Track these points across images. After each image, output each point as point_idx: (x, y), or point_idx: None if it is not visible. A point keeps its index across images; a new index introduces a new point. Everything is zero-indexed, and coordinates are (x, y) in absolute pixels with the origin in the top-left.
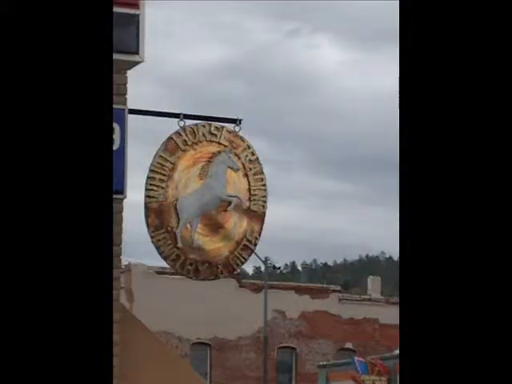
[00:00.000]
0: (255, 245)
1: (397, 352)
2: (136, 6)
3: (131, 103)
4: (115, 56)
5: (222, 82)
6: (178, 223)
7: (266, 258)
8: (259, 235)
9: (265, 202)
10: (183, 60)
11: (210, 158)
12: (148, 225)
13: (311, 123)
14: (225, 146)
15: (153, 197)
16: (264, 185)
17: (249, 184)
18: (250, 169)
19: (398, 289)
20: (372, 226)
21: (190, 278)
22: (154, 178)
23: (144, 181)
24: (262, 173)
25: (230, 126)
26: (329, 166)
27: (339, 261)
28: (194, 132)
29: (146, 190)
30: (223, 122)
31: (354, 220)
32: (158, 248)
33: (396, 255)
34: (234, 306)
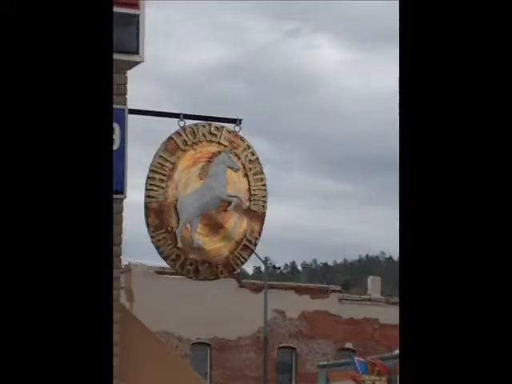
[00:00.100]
0: (255, 245)
1: (397, 352)
2: (136, 5)
3: (131, 103)
4: (115, 56)
5: (221, 82)
6: (178, 223)
7: (266, 258)
8: (259, 235)
9: (265, 201)
10: (183, 60)
11: (210, 157)
12: (148, 225)
13: (311, 123)
14: (225, 145)
15: (153, 197)
16: (264, 185)
17: (249, 184)
18: (250, 169)
19: (397, 289)
20: (372, 226)
21: (190, 277)
22: (154, 178)
23: (144, 181)
24: (262, 173)
25: (230, 126)
26: (329, 165)
27: (339, 261)
28: (193, 132)
29: (146, 190)
30: (223, 122)
31: (354, 220)
32: (157, 248)
33: (396, 255)
34: (234, 306)
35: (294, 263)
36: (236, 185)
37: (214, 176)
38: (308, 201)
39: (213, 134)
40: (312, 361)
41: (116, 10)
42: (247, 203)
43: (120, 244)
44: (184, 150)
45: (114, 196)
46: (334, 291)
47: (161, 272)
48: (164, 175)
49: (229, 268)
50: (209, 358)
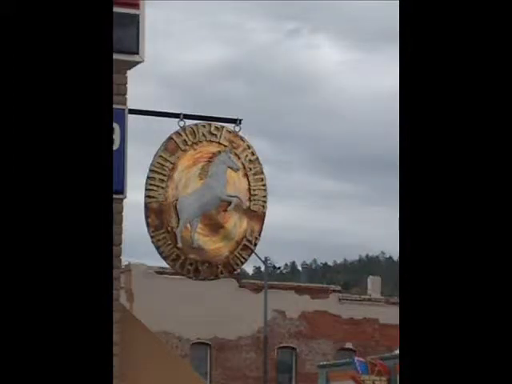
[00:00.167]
0: (255, 245)
1: (397, 352)
2: (136, 5)
3: (131, 103)
4: (115, 56)
5: (221, 81)
6: (178, 223)
7: (266, 258)
8: (259, 235)
9: (265, 201)
10: (183, 60)
11: (210, 158)
12: (148, 225)
13: (311, 123)
14: (225, 145)
15: (153, 197)
16: (264, 185)
17: (249, 184)
18: (250, 169)
19: (397, 289)
20: (372, 225)
21: (190, 277)
22: (154, 178)
23: (144, 181)
24: (262, 173)
25: (230, 126)
26: (329, 166)
27: (339, 261)
28: (194, 132)
29: (146, 189)
30: (223, 122)
31: (354, 220)
32: (157, 248)
33: (396, 255)
34: (234, 306)
35: (294, 263)
36: (236, 185)
37: (214, 176)
38: (308, 201)
39: (213, 134)
40: (312, 361)
41: (116, 10)
42: (247, 203)
43: (120, 244)
44: (184, 150)
45: (114, 196)
46: (334, 291)
47: (161, 272)
48: (164, 175)
49: (229, 268)
50: (209, 358)
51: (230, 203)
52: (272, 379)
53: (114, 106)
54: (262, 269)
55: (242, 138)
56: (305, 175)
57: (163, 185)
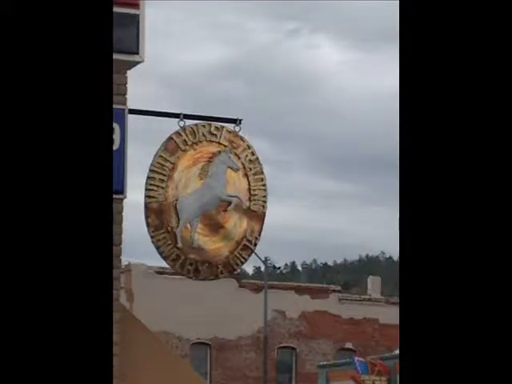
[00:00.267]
0: (255, 245)
1: (397, 352)
2: (136, 5)
3: (131, 103)
4: (115, 56)
5: (222, 81)
6: (178, 223)
7: (266, 258)
8: (259, 235)
9: (265, 201)
10: (183, 60)
11: (210, 158)
12: (148, 225)
13: (311, 123)
14: (225, 145)
15: (153, 197)
16: (264, 185)
17: (249, 184)
18: (250, 169)
19: (397, 289)
20: (372, 225)
21: (190, 277)
22: (154, 178)
23: (144, 181)
24: (262, 173)
25: (230, 126)
26: (329, 165)
27: (339, 261)
28: (194, 132)
29: (146, 189)
30: (223, 122)
31: (354, 220)
32: (157, 248)
33: (396, 255)
34: (234, 306)
35: (294, 263)
36: (236, 185)
37: (214, 176)
38: (308, 201)
39: (213, 134)
40: (312, 361)
41: (116, 10)
42: (247, 203)
43: (120, 244)
44: (184, 150)
45: (114, 196)
46: (334, 291)
47: (161, 272)
48: (164, 175)
49: (229, 268)
50: (209, 358)
51: (229, 203)
52: (272, 379)
53: (114, 106)
54: (262, 269)
55: (242, 138)
56: (305, 175)
57: (163, 185)
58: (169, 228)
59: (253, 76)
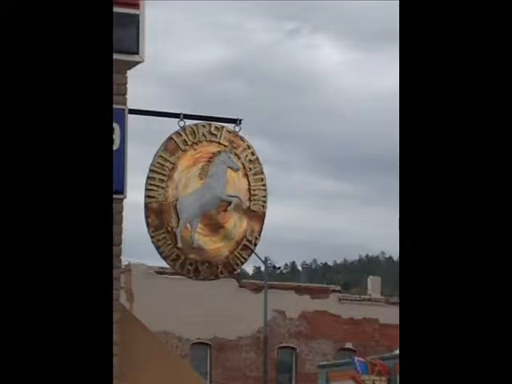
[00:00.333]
0: (255, 245)
1: (397, 352)
2: (136, 5)
3: (131, 103)
4: (115, 56)
5: (221, 81)
6: (178, 223)
7: (266, 258)
8: (259, 235)
9: (265, 202)
10: (183, 60)
11: (210, 158)
12: (148, 225)
13: (311, 123)
14: (225, 146)
15: (153, 197)
16: (264, 185)
17: (249, 184)
18: (250, 169)
19: (397, 289)
20: (372, 226)
21: (190, 277)
22: (154, 178)
23: (144, 181)
24: (262, 173)
25: (230, 126)
26: (329, 165)
27: (339, 261)
28: (194, 132)
29: (146, 190)
30: (223, 122)
31: (354, 220)
32: (157, 248)
33: (396, 255)
34: (234, 306)
35: (294, 263)
36: (236, 185)
37: (214, 176)
38: (308, 201)
39: (213, 134)
40: (312, 361)
41: (116, 10)
42: (247, 203)
43: (120, 244)
44: (184, 150)
45: (114, 196)
46: (334, 291)
47: (161, 272)
48: (164, 175)
49: (229, 268)
50: (209, 358)
51: (230, 203)
52: (272, 379)
53: (114, 106)
54: (262, 269)
55: (242, 138)
56: (305, 175)
57: (163, 185)
58: (169, 228)
59: (253, 76)
